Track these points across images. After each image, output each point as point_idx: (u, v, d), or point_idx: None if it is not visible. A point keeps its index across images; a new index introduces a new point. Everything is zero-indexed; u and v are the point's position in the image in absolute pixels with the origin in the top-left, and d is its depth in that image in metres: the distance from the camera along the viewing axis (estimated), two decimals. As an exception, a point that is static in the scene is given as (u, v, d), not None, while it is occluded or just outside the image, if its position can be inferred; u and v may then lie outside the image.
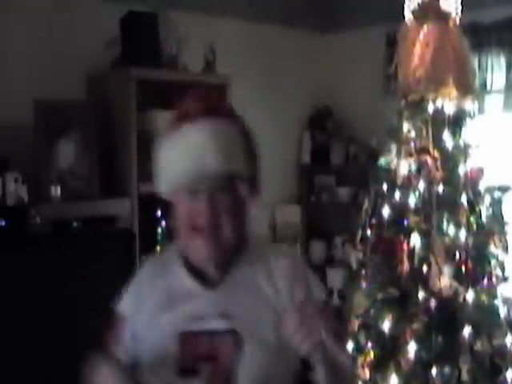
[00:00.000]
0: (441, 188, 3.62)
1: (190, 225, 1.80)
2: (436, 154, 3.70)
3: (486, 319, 3.47)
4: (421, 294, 3.47)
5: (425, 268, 3.52)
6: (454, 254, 3.51)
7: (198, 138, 1.79)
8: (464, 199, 3.62)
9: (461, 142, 3.76)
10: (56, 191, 3.50)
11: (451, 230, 3.54)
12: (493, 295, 3.56)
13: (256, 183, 1.93)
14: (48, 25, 3.93)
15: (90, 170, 3.72)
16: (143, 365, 1.84)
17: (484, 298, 3.50)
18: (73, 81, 3.98)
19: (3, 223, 3.26)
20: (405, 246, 3.56)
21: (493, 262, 3.60)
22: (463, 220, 3.57)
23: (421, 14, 3.89)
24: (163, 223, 3.90)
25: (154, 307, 1.87)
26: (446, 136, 3.72)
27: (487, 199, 3.70)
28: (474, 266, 3.53)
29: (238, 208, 1.85)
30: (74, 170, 3.68)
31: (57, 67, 3.92)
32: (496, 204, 3.70)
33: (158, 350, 1.83)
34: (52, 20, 3.95)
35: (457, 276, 3.43)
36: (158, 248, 3.90)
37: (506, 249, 3.66)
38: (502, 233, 3.68)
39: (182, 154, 1.80)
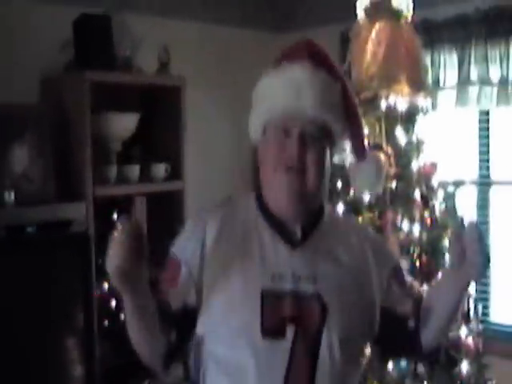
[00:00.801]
0: (394, 184, 3.66)
1: (278, 163, 1.81)
2: (389, 150, 3.73)
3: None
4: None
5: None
6: (409, 249, 3.54)
7: (299, 76, 1.82)
8: (418, 194, 3.66)
9: (414, 138, 3.80)
10: (10, 196, 3.47)
11: (405, 225, 3.57)
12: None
13: (360, 146, 1.98)
14: (0, 26, 3.90)
15: (44, 173, 3.69)
16: (216, 320, 1.81)
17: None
18: (26, 84, 3.95)
19: (-44, 229, 3.24)
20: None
21: (447, 255, 3.65)
22: (417, 215, 3.61)
23: (373, 12, 3.92)
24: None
25: (227, 261, 1.83)
26: (399, 132, 3.76)
27: (441, 194, 3.74)
28: (429, 261, 3.56)
29: (324, 161, 1.85)
30: (28, 174, 3.65)
31: (9, 70, 3.89)
32: (449, 199, 3.74)
33: (237, 306, 1.79)
34: (3, 23, 3.91)
35: (412, 271, 3.46)
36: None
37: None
38: (456, 227, 3.72)
39: (279, 90, 1.83)
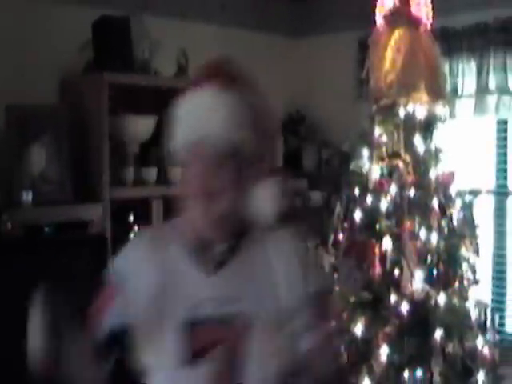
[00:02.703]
0: (412, 192, 3.65)
1: (190, 189, 1.79)
2: (407, 158, 3.73)
3: (458, 322, 3.50)
4: (393, 298, 3.49)
5: (397, 272, 3.54)
6: (426, 258, 3.53)
7: (205, 100, 1.79)
8: (435, 203, 3.65)
9: (432, 147, 3.79)
10: (28, 196, 3.48)
11: (423, 233, 3.56)
12: (464, 298, 3.59)
13: (266, 162, 1.90)
14: (20, 29, 3.90)
15: (62, 174, 3.70)
16: (140, 347, 1.79)
17: (455, 300, 3.53)
18: (45, 85, 3.95)
19: (-26, 228, 3.24)
20: (377, 250, 3.59)
21: (464, 265, 3.64)
22: (434, 224, 3.60)
23: (392, 19, 3.91)
24: (136, 228, 3.89)
25: (152, 286, 1.80)
26: (418, 140, 3.76)
27: (458, 203, 3.73)
28: (446, 269, 3.55)
29: (238, 181, 1.80)
30: (46, 175, 3.65)
31: (29, 71, 3.89)
32: (467, 208, 3.74)
33: (160, 338, 1.77)
34: (24, 24, 3.92)
35: (428, 279, 3.45)
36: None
37: (476, 252, 3.69)
38: (473, 236, 3.71)
39: (188, 116, 1.80)
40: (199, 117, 1.78)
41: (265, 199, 1.84)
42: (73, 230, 3.52)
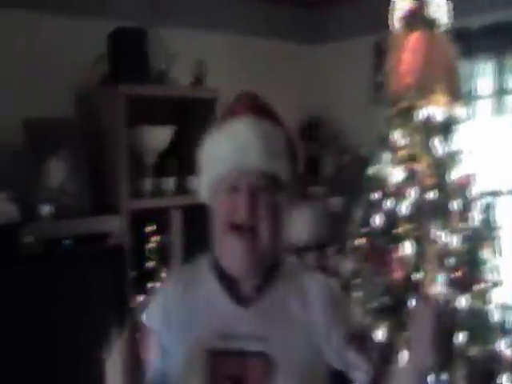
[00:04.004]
0: (432, 195, 3.62)
1: (228, 222, 1.77)
2: (427, 161, 3.70)
3: (480, 325, 3.46)
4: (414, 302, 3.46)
5: (417, 275, 3.51)
6: (447, 261, 3.50)
7: (242, 132, 1.78)
8: (455, 205, 3.62)
9: (451, 149, 3.76)
10: (47, 210, 3.49)
11: (443, 236, 3.53)
12: (486, 300, 3.55)
13: (295, 192, 1.90)
14: (35, 42, 3.93)
15: (80, 187, 3.71)
16: (172, 382, 1.80)
17: (477, 303, 3.50)
18: (62, 98, 3.97)
19: (-6, 242, 3.25)
20: (397, 254, 3.56)
21: (485, 267, 3.60)
22: (455, 226, 3.57)
23: (409, 22, 3.90)
24: (155, 239, 3.89)
25: (182, 322, 1.81)
26: (437, 143, 3.72)
27: (479, 205, 3.69)
28: (467, 272, 3.52)
29: (277, 213, 1.80)
30: (64, 188, 3.66)
31: (45, 85, 3.91)
32: (488, 209, 3.70)
33: (185, 368, 1.77)
34: (39, 37, 3.94)
35: (449, 282, 3.41)
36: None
37: (498, 254, 3.65)
38: (494, 238, 3.67)
39: (224, 147, 1.79)
40: (239, 146, 1.77)
41: (303, 224, 1.84)
42: (92, 242, 3.52)
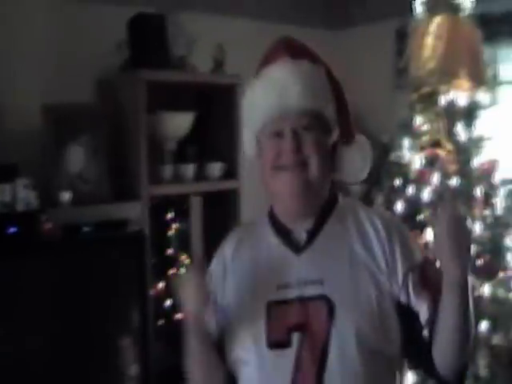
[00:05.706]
0: (455, 181, 3.59)
1: (275, 165, 1.79)
2: (449, 147, 3.67)
3: (503, 313, 3.43)
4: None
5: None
6: (470, 248, 3.47)
7: (280, 75, 1.80)
8: (479, 192, 3.58)
9: (474, 134, 3.72)
10: (66, 196, 3.48)
11: (466, 223, 3.49)
12: (509, 289, 3.52)
13: (348, 129, 1.92)
14: (56, 28, 3.91)
15: (100, 173, 3.69)
16: (232, 339, 1.82)
17: (500, 291, 3.47)
18: (82, 84, 3.95)
19: (14, 229, 3.25)
20: (419, 241, 3.53)
21: (509, 254, 3.56)
22: (478, 213, 3.53)
23: (432, 6, 3.86)
24: (175, 226, 3.89)
25: (239, 278, 1.85)
26: (460, 128, 3.69)
27: (502, 191, 3.65)
28: (490, 260, 3.48)
29: (324, 148, 1.81)
30: (84, 175, 3.65)
31: (65, 70, 3.90)
32: (511, 196, 3.66)
33: (246, 323, 1.79)
34: (60, 23, 3.93)
35: (473, 270, 3.38)
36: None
37: (523, 241, 3.62)
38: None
39: (263, 93, 1.81)
40: (278, 91, 1.78)
41: (355, 160, 1.85)
42: (111, 228, 3.51)
